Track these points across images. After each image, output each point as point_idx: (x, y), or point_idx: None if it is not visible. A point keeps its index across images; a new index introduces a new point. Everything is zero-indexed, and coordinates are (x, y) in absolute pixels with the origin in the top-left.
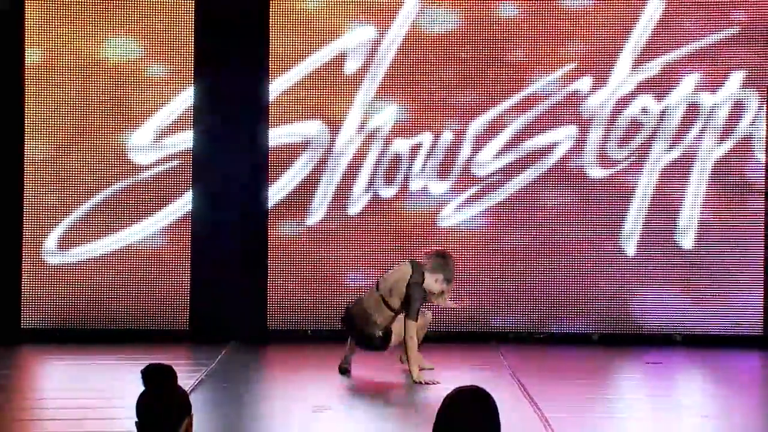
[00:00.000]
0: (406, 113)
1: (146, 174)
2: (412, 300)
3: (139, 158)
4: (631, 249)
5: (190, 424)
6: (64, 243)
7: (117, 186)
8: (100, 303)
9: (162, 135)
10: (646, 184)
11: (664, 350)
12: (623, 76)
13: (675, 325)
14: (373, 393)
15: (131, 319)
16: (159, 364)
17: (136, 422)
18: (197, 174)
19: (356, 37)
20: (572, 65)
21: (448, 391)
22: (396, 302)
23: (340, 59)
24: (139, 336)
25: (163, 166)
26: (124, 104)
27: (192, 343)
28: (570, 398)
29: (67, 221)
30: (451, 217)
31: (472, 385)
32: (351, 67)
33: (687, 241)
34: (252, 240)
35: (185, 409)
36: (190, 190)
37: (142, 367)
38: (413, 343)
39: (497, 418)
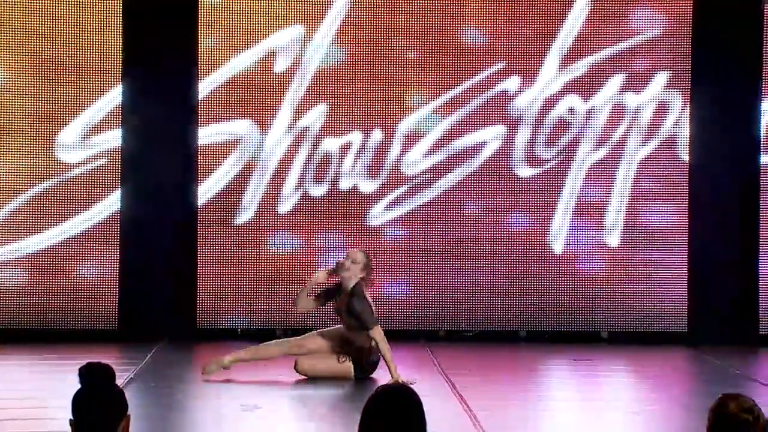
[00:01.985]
0: (335, 112)
1: (75, 172)
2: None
3: (66, 157)
4: (558, 247)
5: (127, 424)
6: None
7: (45, 184)
8: (26, 301)
9: (90, 133)
10: (573, 182)
11: (592, 347)
12: (550, 76)
13: (602, 321)
14: (301, 392)
15: (59, 317)
16: (97, 362)
17: (70, 420)
18: (126, 172)
19: (286, 35)
20: (501, 65)
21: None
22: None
23: (269, 58)
24: (66, 335)
25: (91, 164)
26: (51, 101)
27: (121, 342)
28: (498, 395)
29: None
30: (381, 215)
31: (396, 383)
32: (281, 65)
33: (613, 238)
34: (182, 239)
35: (122, 408)
36: (119, 188)
37: (80, 366)
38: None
39: (422, 414)
